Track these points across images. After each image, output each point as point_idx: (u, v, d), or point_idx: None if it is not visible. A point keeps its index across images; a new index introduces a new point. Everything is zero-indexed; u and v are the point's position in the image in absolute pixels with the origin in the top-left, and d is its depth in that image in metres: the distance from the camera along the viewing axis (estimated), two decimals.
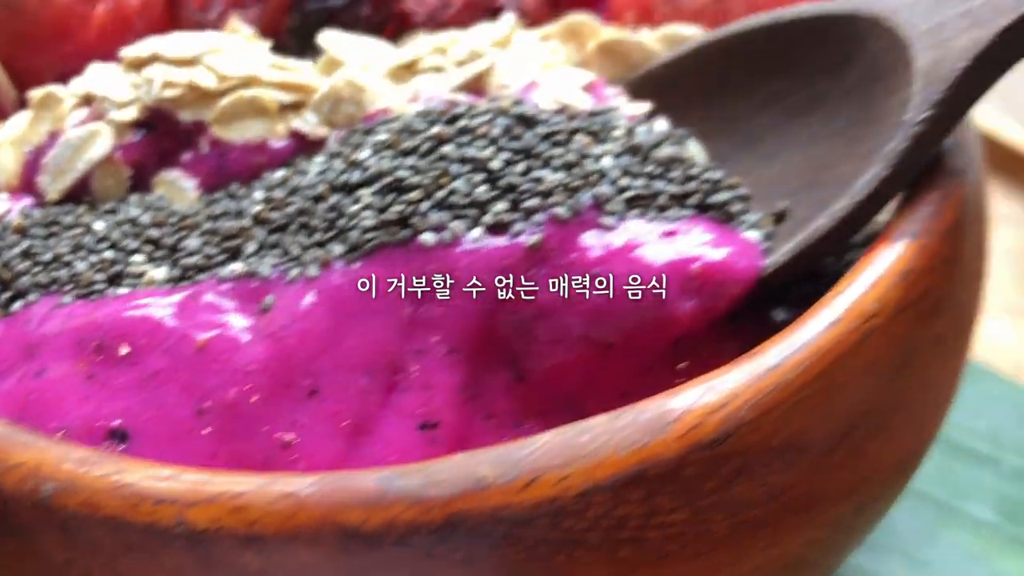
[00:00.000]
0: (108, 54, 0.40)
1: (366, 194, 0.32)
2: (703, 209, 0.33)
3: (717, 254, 0.31)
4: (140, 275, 0.32)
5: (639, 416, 0.26)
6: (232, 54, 0.37)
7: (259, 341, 0.30)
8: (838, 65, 0.36)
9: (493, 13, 0.43)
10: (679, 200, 0.33)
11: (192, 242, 0.33)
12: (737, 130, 0.38)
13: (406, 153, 0.33)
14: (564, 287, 0.30)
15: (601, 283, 0.30)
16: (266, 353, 0.29)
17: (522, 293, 0.30)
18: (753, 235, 0.33)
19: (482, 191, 0.32)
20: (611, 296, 0.30)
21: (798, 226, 0.33)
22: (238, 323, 0.30)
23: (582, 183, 0.32)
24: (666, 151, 0.35)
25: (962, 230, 0.33)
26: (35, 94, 0.38)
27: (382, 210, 0.31)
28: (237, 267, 0.32)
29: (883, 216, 0.37)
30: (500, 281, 0.30)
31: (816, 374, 0.28)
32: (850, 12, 0.35)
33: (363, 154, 0.33)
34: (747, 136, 0.38)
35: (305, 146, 0.36)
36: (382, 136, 0.34)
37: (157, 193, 0.36)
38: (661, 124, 0.37)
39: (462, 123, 0.34)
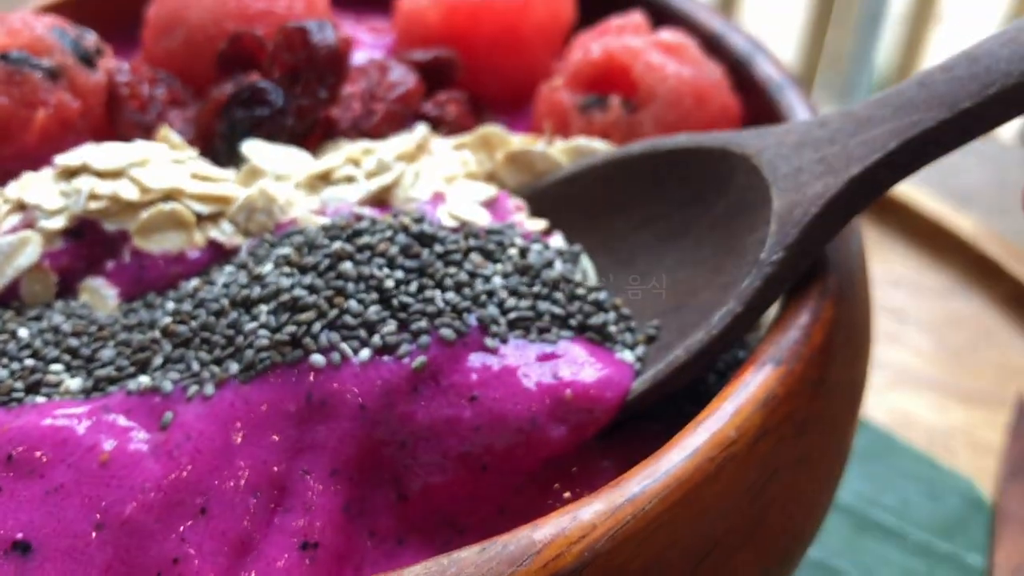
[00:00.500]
0: (49, 155, 0.42)
1: (263, 312, 0.34)
2: (583, 330, 0.35)
3: (589, 380, 0.33)
4: (57, 384, 0.34)
5: (504, 548, 0.28)
6: (157, 166, 0.39)
7: (157, 458, 0.31)
8: (708, 196, 0.38)
9: (416, 120, 0.45)
10: (561, 321, 0.35)
11: (106, 352, 0.35)
12: (615, 247, 0.40)
13: (305, 270, 0.35)
14: (445, 409, 0.32)
15: (480, 406, 0.32)
16: (162, 471, 0.31)
17: (405, 414, 0.32)
18: (627, 356, 0.35)
19: (374, 311, 0.33)
20: (488, 419, 0.32)
21: (662, 350, 0.36)
22: (140, 439, 0.32)
23: (470, 304, 0.34)
24: (555, 272, 0.37)
25: (831, 351, 0.36)
26: None
27: (276, 330, 0.33)
28: (144, 381, 0.34)
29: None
30: (385, 402, 0.32)
31: (674, 502, 0.30)
32: (721, 147, 0.38)
33: (265, 268, 0.35)
34: (624, 254, 0.40)
35: (222, 255, 0.38)
36: (285, 250, 0.36)
37: (81, 300, 0.38)
38: (557, 240, 0.39)
39: (363, 240, 0.36)
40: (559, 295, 0.36)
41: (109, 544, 0.30)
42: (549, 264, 0.37)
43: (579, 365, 0.34)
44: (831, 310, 0.36)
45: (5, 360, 0.35)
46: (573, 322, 0.35)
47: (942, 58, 0.35)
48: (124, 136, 0.45)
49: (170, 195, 0.38)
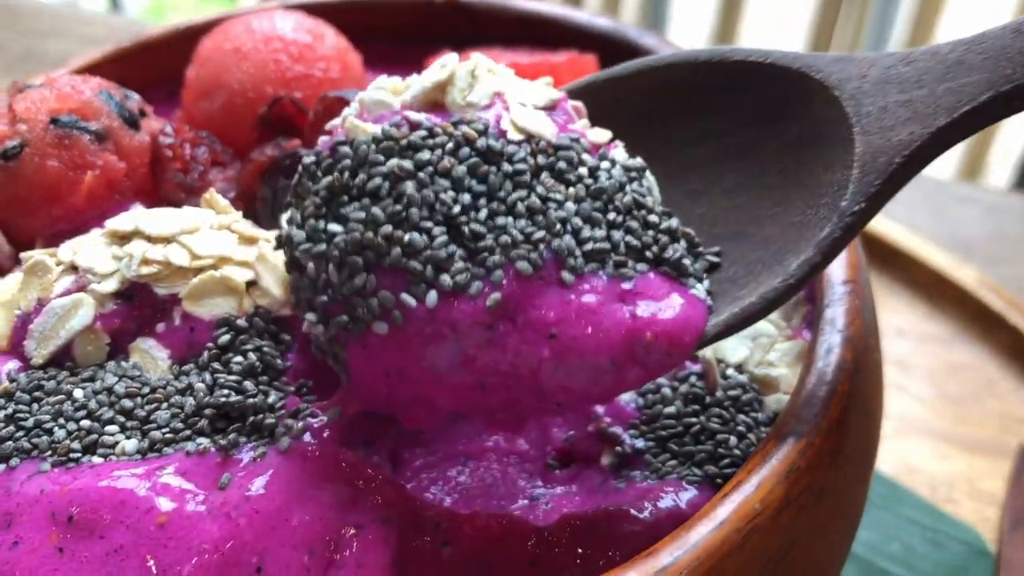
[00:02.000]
0: (95, 215, 0.44)
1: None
2: (658, 263, 0.34)
3: (668, 321, 0.32)
4: (113, 445, 0.36)
5: None
6: (206, 233, 0.41)
7: (214, 519, 0.33)
8: (777, 119, 0.36)
9: None
10: (636, 253, 0.33)
11: (161, 415, 0.36)
12: (667, 159, 0.38)
13: (361, 193, 0.31)
14: (521, 347, 0.31)
15: (558, 344, 0.31)
16: (219, 532, 0.33)
17: (480, 357, 0.31)
18: (700, 292, 0.34)
19: (440, 243, 0.31)
20: (567, 358, 0.31)
21: (726, 284, 0.34)
22: (197, 500, 0.33)
23: (544, 234, 0.32)
24: (628, 197, 0.34)
25: (847, 423, 0.38)
26: (26, 257, 0.41)
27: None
28: (203, 442, 0.35)
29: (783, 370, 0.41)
30: (457, 347, 0.31)
31: (703, 572, 0.32)
32: (801, 69, 0.35)
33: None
34: (676, 168, 0.38)
35: None
36: (328, 179, 0.32)
37: (132, 361, 0.39)
38: (620, 153, 0.36)
39: (423, 156, 0.32)
40: (634, 223, 0.34)
41: None
42: (621, 188, 0.34)
43: (658, 304, 0.32)
44: (847, 384, 0.38)
45: (62, 420, 0.36)
46: (648, 254, 0.33)
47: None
48: (168, 195, 0.47)
49: (219, 262, 0.40)
